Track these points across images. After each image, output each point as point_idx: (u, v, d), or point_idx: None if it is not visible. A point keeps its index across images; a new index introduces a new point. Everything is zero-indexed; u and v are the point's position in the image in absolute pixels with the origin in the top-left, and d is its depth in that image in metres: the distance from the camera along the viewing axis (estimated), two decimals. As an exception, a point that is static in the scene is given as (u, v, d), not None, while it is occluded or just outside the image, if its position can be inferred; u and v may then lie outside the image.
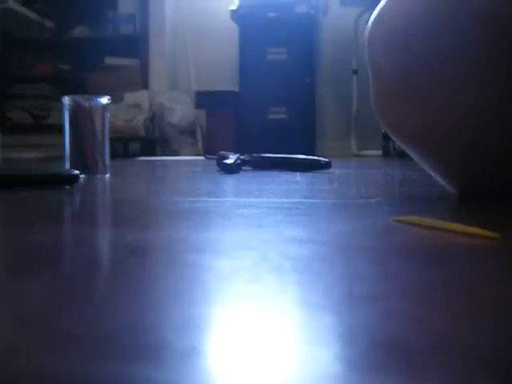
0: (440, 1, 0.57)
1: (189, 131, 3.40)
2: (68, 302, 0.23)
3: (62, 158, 1.12)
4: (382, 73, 0.61)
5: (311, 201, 0.63)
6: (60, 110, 1.16)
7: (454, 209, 0.59)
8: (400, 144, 0.65)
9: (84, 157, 1.09)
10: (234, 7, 3.21)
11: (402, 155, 3.04)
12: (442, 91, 0.57)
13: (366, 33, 0.62)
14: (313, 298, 0.24)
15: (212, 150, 2.91)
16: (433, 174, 0.67)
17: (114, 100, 1.97)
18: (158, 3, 3.56)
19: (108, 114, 1.12)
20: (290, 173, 1.18)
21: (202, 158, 2.65)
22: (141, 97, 3.39)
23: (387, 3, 0.60)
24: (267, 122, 3.24)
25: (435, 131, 0.60)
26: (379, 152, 3.26)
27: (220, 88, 3.36)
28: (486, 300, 0.23)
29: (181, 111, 3.32)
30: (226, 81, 3.46)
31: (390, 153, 3.15)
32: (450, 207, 0.60)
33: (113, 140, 1.20)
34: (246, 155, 1.32)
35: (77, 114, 1.09)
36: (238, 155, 1.28)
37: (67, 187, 0.81)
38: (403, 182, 1.06)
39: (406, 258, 0.33)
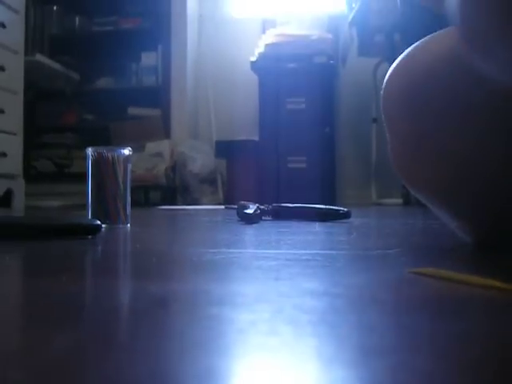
0: (447, 68, 0.58)
1: (209, 180, 3.43)
2: (92, 352, 0.24)
3: (84, 206, 1.15)
4: (397, 131, 0.62)
5: (329, 252, 0.64)
6: (82, 158, 1.19)
7: (472, 260, 0.60)
8: (418, 196, 0.66)
9: (106, 207, 1.11)
10: (253, 58, 3.28)
11: (422, 204, 3.03)
12: (458, 149, 0.58)
13: (381, 91, 0.64)
14: (326, 351, 0.25)
15: (232, 198, 2.93)
16: (450, 225, 0.67)
17: (135, 149, 2.01)
18: (179, 56, 3.64)
19: (130, 165, 1.15)
20: (309, 223, 1.19)
21: (222, 207, 2.67)
22: (162, 146, 3.44)
23: (401, 62, 0.62)
24: (287, 171, 3.26)
25: (452, 187, 0.60)
26: (399, 200, 3.26)
27: (240, 137, 3.40)
28: (500, 355, 0.24)
29: (201, 160, 3.36)
30: (245, 130, 3.50)
31: (411, 201, 3.15)
32: (468, 258, 0.61)
33: (134, 188, 1.22)
34: (266, 205, 1.33)
35: (100, 165, 1.12)
36: (257, 205, 1.30)
37: (90, 237, 0.83)
38: (423, 231, 1.07)
39: (420, 310, 0.33)
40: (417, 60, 0.61)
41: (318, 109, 3.24)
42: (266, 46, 3.24)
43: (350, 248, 0.69)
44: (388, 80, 0.63)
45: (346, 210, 1.29)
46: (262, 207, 1.30)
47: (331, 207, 1.33)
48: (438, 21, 0.79)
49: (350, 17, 3.04)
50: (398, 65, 0.63)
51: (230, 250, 0.65)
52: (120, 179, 1.12)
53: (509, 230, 0.62)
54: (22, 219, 1.18)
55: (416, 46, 0.63)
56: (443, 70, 0.58)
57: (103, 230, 0.92)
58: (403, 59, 0.63)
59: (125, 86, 3.82)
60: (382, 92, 0.64)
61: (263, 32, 3.45)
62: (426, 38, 0.62)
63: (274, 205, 1.35)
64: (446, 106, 0.58)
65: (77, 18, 3.91)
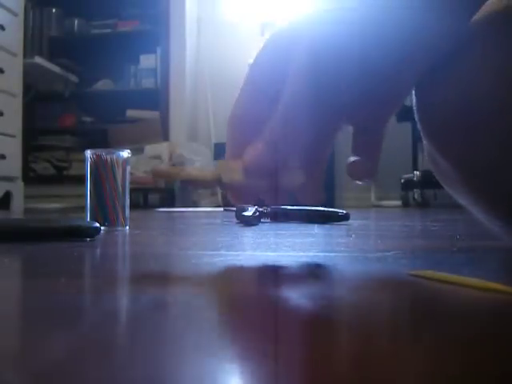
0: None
1: (208, 182, 3.43)
2: (89, 356, 0.24)
3: (82, 208, 1.15)
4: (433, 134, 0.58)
5: (327, 254, 0.63)
6: (81, 161, 1.19)
7: (475, 262, 0.59)
8: (454, 195, 0.62)
9: (105, 209, 1.11)
10: (252, 61, 3.28)
11: (421, 205, 3.03)
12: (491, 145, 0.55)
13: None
14: (326, 354, 0.25)
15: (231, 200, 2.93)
16: (493, 225, 0.62)
17: (134, 152, 2.01)
18: (178, 58, 3.64)
19: (129, 167, 1.15)
20: (308, 225, 1.19)
21: (221, 209, 2.66)
22: (161, 148, 3.45)
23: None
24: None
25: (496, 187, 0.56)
26: (398, 202, 3.26)
27: (239, 140, 3.40)
28: (500, 359, 0.24)
29: (200, 162, 3.36)
30: (245, 132, 3.50)
31: (410, 203, 3.15)
32: (470, 260, 0.61)
33: (133, 191, 1.22)
34: (265, 207, 1.33)
35: (99, 167, 1.12)
36: (256, 207, 1.30)
37: (88, 239, 0.83)
38: (422, 233, 1.07)
39: (420, 313, 0.33)
40: None
41: (316, 111, 3.23)
42: (265, 48, 3.24)
43: (349, 250, 0.69)
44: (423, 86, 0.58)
45: (344, 212, 1.28)
46: (260, 209, 1.30)
47: (330, 209, 1.33)
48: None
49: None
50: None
51: (229, 253, 0.65)
52: (119, 181, 1.12)
53: None
54: (20, 221, 1.18)
55: None
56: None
57: (102, 232, 0.92)
58: None
59: (123, 88, 3.83)
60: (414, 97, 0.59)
61: (262, 35, 3.46)
62: None
63: (273, 207, 1.35)
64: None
65: (76, 21, 3.92)
